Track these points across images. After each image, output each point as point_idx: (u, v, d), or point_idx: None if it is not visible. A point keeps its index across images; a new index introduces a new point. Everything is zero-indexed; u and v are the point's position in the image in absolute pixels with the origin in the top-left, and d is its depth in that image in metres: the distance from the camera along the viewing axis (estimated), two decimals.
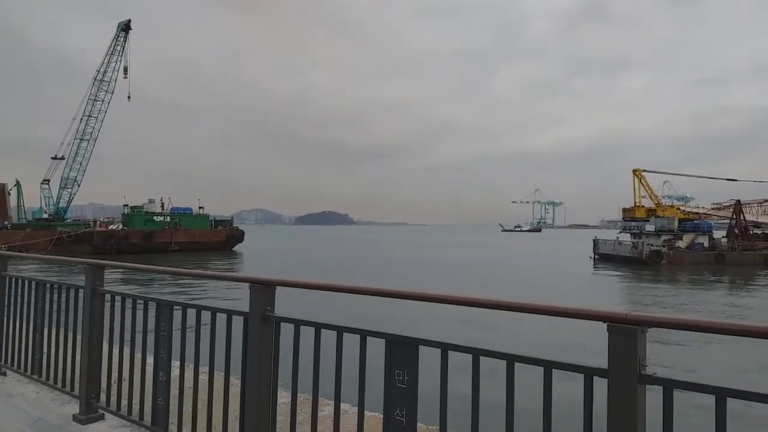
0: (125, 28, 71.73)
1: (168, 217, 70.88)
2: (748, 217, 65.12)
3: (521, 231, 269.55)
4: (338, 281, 3.40)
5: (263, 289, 3.50)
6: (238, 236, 76.14)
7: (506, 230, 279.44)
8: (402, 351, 2.86)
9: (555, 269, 52.42)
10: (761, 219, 67.96)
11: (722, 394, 2.02)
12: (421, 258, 63.79)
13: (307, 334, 3.31)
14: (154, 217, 69.84)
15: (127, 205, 71.84)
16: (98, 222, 70.73)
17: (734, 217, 63.53)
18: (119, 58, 71.48)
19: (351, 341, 3.11)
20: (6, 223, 71.21)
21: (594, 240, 70.08)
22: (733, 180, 73.06)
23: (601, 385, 2.28)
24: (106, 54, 71.44)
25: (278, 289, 3.60)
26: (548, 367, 2.43)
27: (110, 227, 68.05)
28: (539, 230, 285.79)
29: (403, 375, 2.84)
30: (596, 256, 66.11)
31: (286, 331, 3.44)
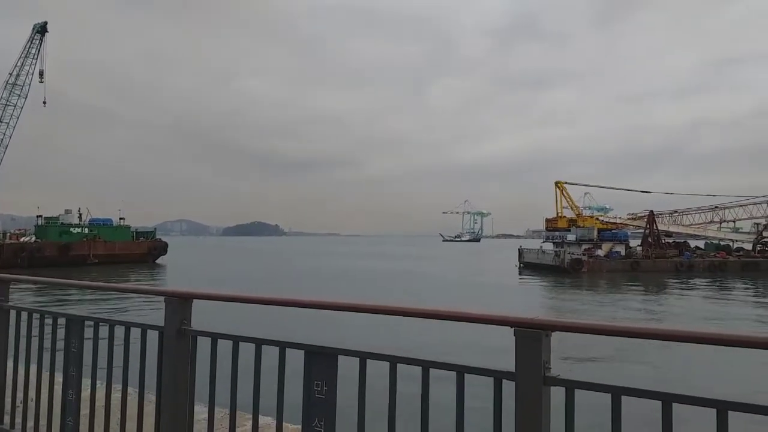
0: (41, 30, 68.16)
1: (86, 229, 67.70)
2: (660, 227, 69.27)
3: (461, 241, 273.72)
4: (256, 293, 3.36)
5: (179, 302, 3.42)
6: (161, 248, 73.60)
7: (447, 240, 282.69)
8: (321, 361, 2.87)
9: (483, 278, 53.71)
10: (672, 228, 72.45)
11: (617, 393, 2.15)
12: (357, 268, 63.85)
13: (226, 347, 3.26)
14: (71, 229, 66.55)
15: (40, 216, 68.00)
16: (8, 234, 66.56)
17: (648, 226, 67.40)
18: (34, 60, 67.92)
19: (270, 354, 3.09)
20: None
21: (519, 249, 72.47)
22: (647, 192, 77.62)
23: (510, 388, 2.37)
24: (20, 56, 67.71)
25: (196, 302, 3.53)
26: (461, 371, 2.51)
27: (22, 239, 64.24)
28: (478, 240, 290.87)
29: (321, 385, 2.84)
30: (521, 265, 68.36)
31: (204, 345, 3.36)
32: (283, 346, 3.02)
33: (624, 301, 35.62)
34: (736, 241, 70.86)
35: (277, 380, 3.00)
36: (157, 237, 78.70)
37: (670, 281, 49.65)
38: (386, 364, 2.69)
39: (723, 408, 1.97)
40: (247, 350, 3.18)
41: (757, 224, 69.96)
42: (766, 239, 66.42)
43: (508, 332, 2.39)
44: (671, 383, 13.35)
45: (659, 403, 2.07)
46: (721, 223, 73.27)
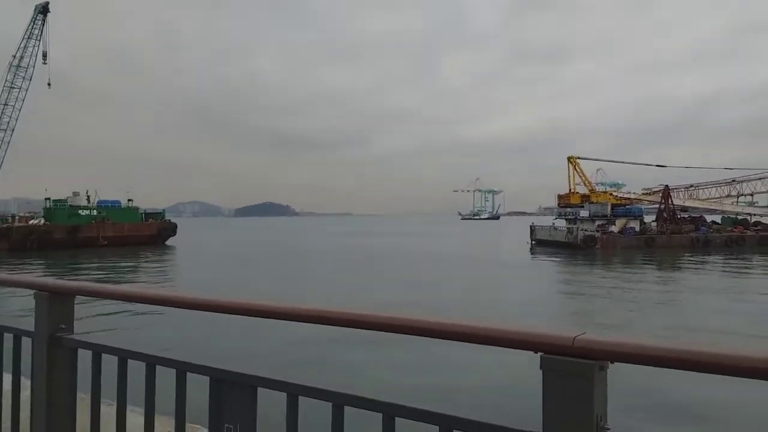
0: (43, 10, 67.04)
1: (94, 211, 67.30)
2: (676, 202, 67.58)
3: (480, 219, 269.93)
4: (158, 290, 2.36)
5: (53, 300, 2.44)
6: (171, 229, 73.26)
7: (465, 218, 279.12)
8: (233, 395, 1.88)
9: (494, 256, 52.65)
10: (688, 203, 70.71)
11: None
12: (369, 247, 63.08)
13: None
14: (79, 211, 66.16)
15: (48, 199, 67.67)
16: (17, 217, 66.34)
17: (663, 201, 65.74)
18: (37, 42, 66.96)
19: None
20: None
21: (531, 226, 71.15)
22: (662, 166, 75.57)
23: None
24: (23, 38, 66.74)
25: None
26: (447, 427, 1.51)
27: (31, 222, 63.96)
28: (498, 218, 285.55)
29: (234, 431, 1.87)
30: (533, 242, 67.13)
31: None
32: (182, 368, 2.04)
33: (639, 279, 34.47)
34: (754, 215, 69.01)
35: (175, 413, 2.03)
36: (167, 218, 78.26)
37: (686, 257, 48.32)
38: (328, 405, 1.71)
39: None
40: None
41: None
42: None
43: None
44: None
45: None
46: (738, 197, 71.36)
